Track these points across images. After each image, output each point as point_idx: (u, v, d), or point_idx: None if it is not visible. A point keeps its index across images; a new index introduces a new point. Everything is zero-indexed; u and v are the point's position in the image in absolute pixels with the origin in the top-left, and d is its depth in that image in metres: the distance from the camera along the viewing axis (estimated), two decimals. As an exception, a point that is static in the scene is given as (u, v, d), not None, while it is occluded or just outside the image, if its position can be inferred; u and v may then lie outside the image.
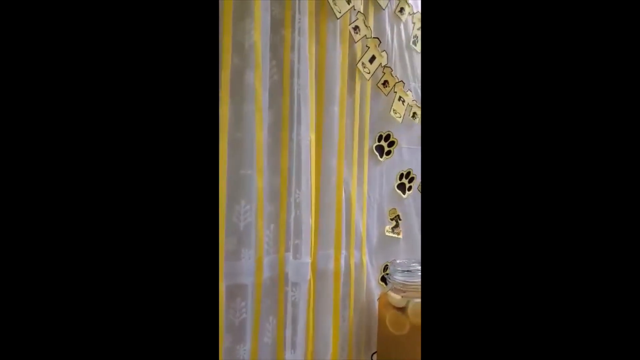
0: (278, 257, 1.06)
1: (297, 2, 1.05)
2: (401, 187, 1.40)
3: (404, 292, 1.16)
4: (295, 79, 1.06)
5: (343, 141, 1.17)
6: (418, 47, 1.38)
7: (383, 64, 1.26)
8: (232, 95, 0.94)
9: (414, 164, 1.42)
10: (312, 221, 1.09)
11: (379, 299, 1.26)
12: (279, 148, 1.06)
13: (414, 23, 1.37)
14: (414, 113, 1.38)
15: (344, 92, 1.17)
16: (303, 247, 1.07)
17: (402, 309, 1.15)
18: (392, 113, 1.31)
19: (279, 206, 1.06)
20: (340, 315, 1.19)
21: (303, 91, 1.07)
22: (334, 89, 1.15)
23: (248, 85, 0.96)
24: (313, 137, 1.10)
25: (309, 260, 1.08)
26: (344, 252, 1.19)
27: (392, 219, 1.38)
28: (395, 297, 1.16)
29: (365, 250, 1.27)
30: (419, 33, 1.38)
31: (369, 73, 1.23)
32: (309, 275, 1.08)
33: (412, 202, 1.43)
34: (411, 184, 1.42)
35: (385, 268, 1.34)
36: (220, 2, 0.92)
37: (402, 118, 1.34)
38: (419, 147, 1.42)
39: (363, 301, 1.27)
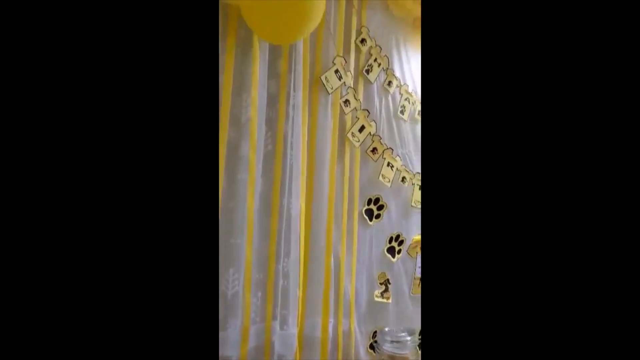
0: (265, 326, 1.05)
1: (292, 79, 1.13)
2: (391, 250, 1.41)
3: (391, 357, 1.13)
4: (289, 149, 1.11)
5: (332, 207, 1.20)
6: (405, 116, 1.46)
7: (372, 133, 1.33)
8: (227, 166, 0.98)
9: (404, 227, 1.44)
10: (299, 290, 1.09)
11: (367, 369, 1.22)
12: (269, 215, 1.08)
13: (401, 95, 1.45)
14: (403, 177, 1.43)
15: (334, 159, 1.21)
16: (290, 317, 1.06)
17: (391, 382, 1.11)
18: (381, 178, 1.35)
19: (267, 274, 1.06)
20: (328, 388, 1.15)
21: (295, 160, 1.11)
22: (325, 157, 1.20)
23: (242, 157, 1.00)
24: (303, 205, 1.13)
25: (295, 330, 1.06)
26: (331, 319, 1.17)
27: (381, 283, 1.37)
28: (384, 368, 1.13)
29: (353, 316, 1.25)
30: (406, 103, 1.46)
31: (358, 142, 1.29)
32: (295, 345, 1.06)
33: (401, 265, 1.43)
34: (401, 247, 1.43)
35: (374, 334, 1.31)
36: (220, 77, 0.98)
37: (391, 183, 1.38)
38: (408, 210, 1.46)
39: (351, 372, 1.23)
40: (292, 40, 1.04)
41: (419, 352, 1.44)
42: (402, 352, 1.14)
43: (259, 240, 1.05)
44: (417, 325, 1.43)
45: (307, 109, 1.16)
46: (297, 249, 1.09)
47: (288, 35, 0.97)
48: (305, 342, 1.12)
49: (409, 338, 1.20)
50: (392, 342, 1.18)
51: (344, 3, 1.25)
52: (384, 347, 1.18)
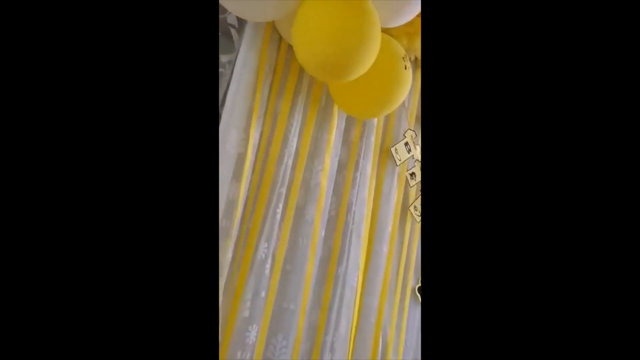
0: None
1: (363, 148, 1.14)
2: (440, 334, 1.31)
3: None
4: (351, 216, 1.10)
5: (387, 282, 1.15)
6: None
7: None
8: (292, 229, 0.98)
9: (455, 311, 1.35)
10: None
11: None
12: (325, 283, 1.05)
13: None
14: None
15: (394, 233, 1.18)
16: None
17: None
18: (438, 256, 1.30)
19: (314, 345, 1.01)
20: None
21: (357, 228, 1.09)
22: (386, 229, 1.17)
23: (307, 221, 1.00)
24: (361, 275, 1.09)
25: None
26: (374, 403, 1.08)
27: (427, 370, 1.27)
28: None
29: (395, 402, 1.15)
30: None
31: (419, 216, 1.26)
32: None
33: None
34: (450, 332, 1.33)
35: None
36: (298, 141, 1.01)
37: (447, 262, 1.31)
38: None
39: None
40: (372, 116, 1.06)
41: None
42: None
43: (311, 309, 1.02)
44: None
45: (374, 179, 1.16)
46: (349, 321, 1.04)
47: (369, 112, 0.99)
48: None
49: None
50: None
51: (419, 78, 1.28)
52: None
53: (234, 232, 0.88)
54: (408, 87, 0.94)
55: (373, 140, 1.16)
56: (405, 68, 0.88)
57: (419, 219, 1.25)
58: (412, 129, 1.24)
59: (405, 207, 1.24)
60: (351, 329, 1.05)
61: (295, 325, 0.94)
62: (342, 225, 1.09)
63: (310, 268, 0.99)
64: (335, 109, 1.08)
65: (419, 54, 1.17)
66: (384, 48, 0.83)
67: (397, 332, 1.18)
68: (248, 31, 0.94)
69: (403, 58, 0.88)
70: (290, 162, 0.99)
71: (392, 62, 0.87)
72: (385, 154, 1.21)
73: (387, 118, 1.22)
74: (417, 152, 1.25)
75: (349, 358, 1.05)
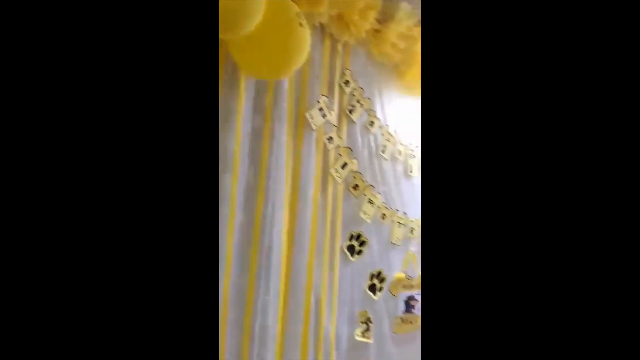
0: (240, 366, 0.99)
1: (276, 115, 1.15)
2: (372, 288, 1.38)
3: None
4: (271, 184, 1.11)
5: (314, 242, 1.18)
6: (386, 155, 1.49)
7: (354, 170, 1.35)
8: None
9: (385, 264, 1.43)
10: (278, 326, 1.04)
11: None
12: (249, 249, 1.05)
13: (382, 135, 1.50)
14: (383, 214, 1.44)
15: (316, 194, 1.22)
16: (268, 355, 1.00)
17: None
18: (362, 214, 1.36)
19: (244, 310, 1.02)
20: None
21: (279, 195, 1.11)
22: (308, 192, 1.20)
23: (224, 188, 1.00)
24: (285, 238, 1.11)
25: (271, 371, 1.00)
26: (311, 358, 1.12)
27: (362, 322, 1.33)
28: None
29: (333, 356, 1.20)
30: (387, 143, 1.50)
31: (340, 178, 1.30)
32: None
33: (383, 303, 1.40)
34: (382, 285, 1.41)
35: (355, 377, 1.26)
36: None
37: (371, 219, 1.38)
38: (389, 247, 1.45)
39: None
40: (278, 76, 1.07)
41: None
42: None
43: (238, 276, 1.02)
44: None
45: (291, 144, 1.18)
46: (277, 284, 1.05)
47: (272, 71, 1.00)
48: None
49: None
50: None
51: (328, 45, 1.31)
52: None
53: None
54: (306, 44, 0.96)
55: (286, 107, 1.17)
56: (301, 25, 0.90)
57: (340, 180, 1.30)
58: (325, 95, 1.28)
59: (326, 171, 1.27)
60: (281, 291, 1.07)
61: (221, 293, 0.94)
62: (262, 192, 1.10)
63: (230, 237, 0.99)
64: (242, 76, 1.07)
65: (323, 20, 1.20)
66: (277, 7, 0.84)
67: (330, 290, 1.23)
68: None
69: (297, 14, 0.90)
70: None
71: (285, 18, 0.88)
72: (301, 121, 1.23)
73: (299, 84, 1.23)
74: (332, 118, 1.29)
75: (281, 317, 1.07)
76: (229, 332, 0.97)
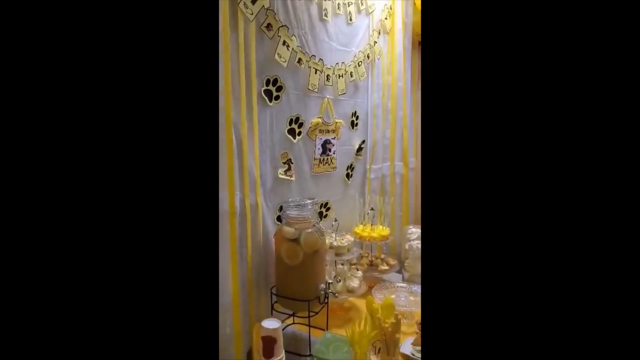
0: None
1: None
2: (291, 132, 1.43)
3: (297, 224, 1.23)
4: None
5: (229, 82, 1.13)
6: (299, -7, 1.39)
7: (266, 7, 1.24)
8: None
9: (302, 110, 1.46)
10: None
11: (274, 235, 1.30)
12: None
13: (294, -32, 1.36)
14: (300, 59, 1.41)
15: (226, 31, 1.11)
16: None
17: (296, 240, 1.21)
18: (276, 57, 1.31)
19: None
20: (238, 255, 1.20)
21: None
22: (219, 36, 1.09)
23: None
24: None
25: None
26: (238, 193, 1.19)
27: (284, 163, 1.42)
28: (289, 230, 1.22)
29: (260, 192, 1.29)
30: (300, -21, 1.38)
31: (252, 14, 1.20)
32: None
33: (302, 146, 1.48)
34: (301, 129, 1.47)
35: (281, 208, 1.39)
36: None
37: (287, 63, 1.35)
38: (306, 94, 1.47)
39: (260, 239, 1.30)
40: None
41: (317, 215, 1.58)
42: (304, 214, 1.24)
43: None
44: (316, 196, 1.56)
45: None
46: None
47: None
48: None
49: (309, 201, 1.30)
50: (295, 206, 1.26)
51: None
52: (288, 212, 1.26)
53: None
54: None
55: None
56: None
57: (251, 17, 1.20)
58: None
59: (234, 6, 1.15)
60: None
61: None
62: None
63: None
64: None
65: None
66: None
67: (250, 132, 1.24)
68: None
69: None
70: None
71: None
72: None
73: None
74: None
75: None
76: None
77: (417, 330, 1.19)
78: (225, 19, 1.11)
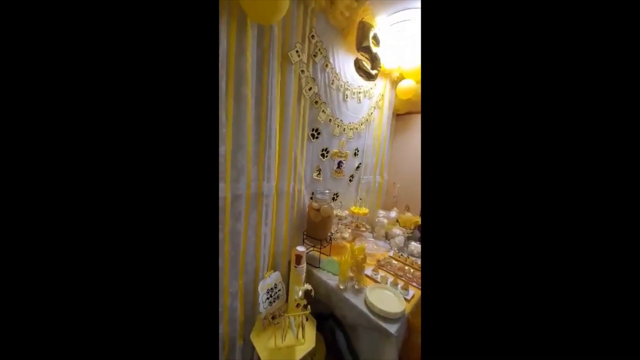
0: (258, 183, 1.11)
1: (270, 53, 1.03)
2: (323, 155, 1.49)
3: (320, 202, 1.29)
4: (269, 97, 1.06)
5: (293, 131, 1.21)
6: (334, 87, 1.43)
7: (315, 92, 1.30)
8: (235, 101, 0.93)
9: (329, 145, 1.50)
10: (275, 166, 1.14)
11: (308, 206, 1.37)
12: (259, 128, 1.07)
13: (332, 73, 1.40)
14: (330, 119, 1.46)
15: (294, 105, 1.19)
16: (272, 179, 1.12)
17: (318, 210, 1.28)
18: (319, 118, 1.37)
19: (259, 155, 1.09)
20: (289, 214, 1.28)
21: (273, 103, 1.08)
22: (289, 103, 1.17)
23: (242, 96, 0.96)
24: (278, 126, 1.13)
25: (273, 184, 1.14)
26: (292, 184, 1.27)
27: (317, 171, 1.48)
28: (316, 205, 1.29)
29: (303, 184, 1.35)
30: (334, 79, 1.42)
31: (308, 95, 1.27)
32: (273, 192, 1.15)
33: (327, 163, 1.53)
34: (327, 154, 1.52)
35: (312, 194, 1.45)
36: (226, 40, 0.88)
37: (323, 121, 1.40)
38: (331, 137, 1.52)
39: (301, 207, 1.37)
40: (269, 22, 0.92)
41: (331, 199, 1.57)
42: (324, 198, 1.30)
43: (254, 144, 1.04)
44: (331, 189, 1.59)
45: (279, 72, 1.09)
46: (273, 146, 1.10)
47: (266, 18, 0.86)
48: (278, 194, 1.21)
49: (327, 192, 1.35)
50: (320, 193, 1.32)
51: (302, 8, 1.12)
52: (317, 196, 1.32)
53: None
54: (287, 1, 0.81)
55: (277, 46, 1.05)
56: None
57: (307, 97, 1.27)
58: (299, 42, 1.14)
59: (300, 91, 1.23)
60: (277, 148, 1.13)
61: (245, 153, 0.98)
62: (265, 101, 1.06)
63: (249, 117, 0.99)
64: (249, 22, 0.92)
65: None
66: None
67: (301, 155, 1.31)
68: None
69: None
70: (224, 55, 0.88)
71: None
72: (285, 57, 1.12)
73: (284, 33, 1.08)
74: (304, 57, 1.18)
75: (277, 163, 1.15)
76: (253, 163, 1.04)
77: (375, 263, 1.21)
78: (295, 96, 1.19)
